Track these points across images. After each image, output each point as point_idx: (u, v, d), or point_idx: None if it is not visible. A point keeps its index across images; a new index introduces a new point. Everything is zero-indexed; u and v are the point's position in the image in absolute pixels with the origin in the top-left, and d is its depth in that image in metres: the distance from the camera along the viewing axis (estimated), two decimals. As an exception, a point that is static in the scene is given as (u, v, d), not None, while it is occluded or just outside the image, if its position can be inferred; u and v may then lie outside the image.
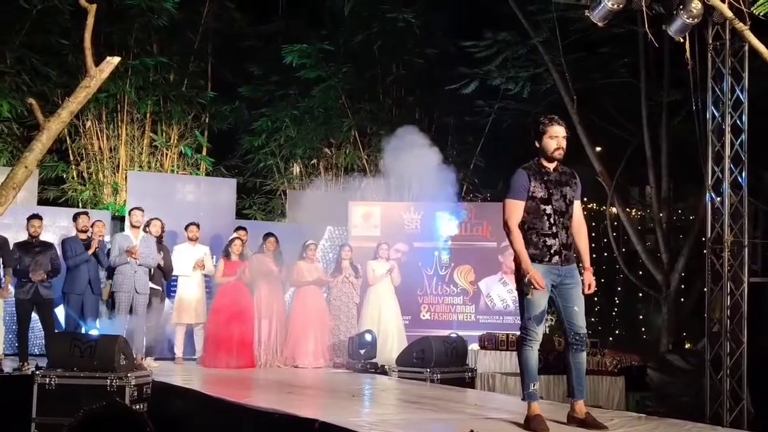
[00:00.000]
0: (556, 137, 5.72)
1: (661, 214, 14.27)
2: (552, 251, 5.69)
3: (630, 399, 11.54)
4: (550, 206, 5.69)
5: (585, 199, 15.43)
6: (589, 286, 5.82)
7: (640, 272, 15.09)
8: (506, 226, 5.72)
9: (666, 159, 14.00)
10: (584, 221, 5.98)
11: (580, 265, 5.94)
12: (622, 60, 14.32)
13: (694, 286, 14.08)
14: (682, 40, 9.36)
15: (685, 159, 13.06)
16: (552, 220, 5.70)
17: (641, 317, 16.67)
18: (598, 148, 14.74)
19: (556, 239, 5.71)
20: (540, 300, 5.75)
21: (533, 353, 6.03)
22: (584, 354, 6.03)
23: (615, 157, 14.66)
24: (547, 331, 13.25)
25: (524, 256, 5.63)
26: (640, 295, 16.29)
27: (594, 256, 16.49)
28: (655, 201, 14.33)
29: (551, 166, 5.76)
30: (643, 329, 16.32)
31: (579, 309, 5.80)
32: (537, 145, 5.80)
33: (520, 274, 5.76)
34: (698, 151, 10.11)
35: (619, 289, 16.85)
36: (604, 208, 15.68)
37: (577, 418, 5.91)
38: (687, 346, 14.47)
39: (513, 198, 5.71)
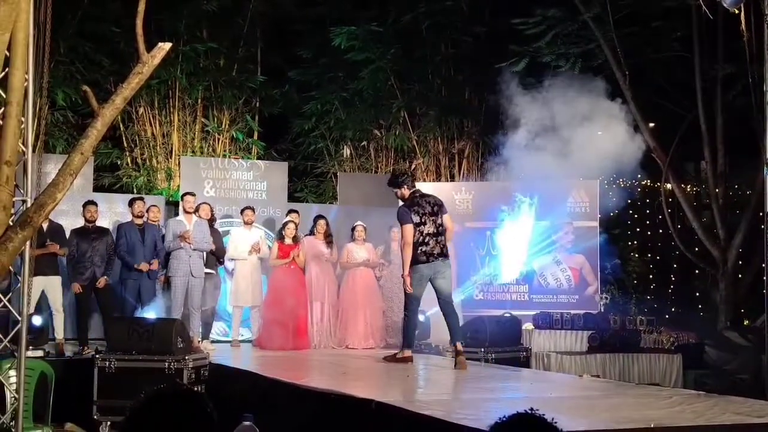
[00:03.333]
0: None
1: (717, 190, 14.04)
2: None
3: (688, 377, 11.41)
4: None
5: (639, 176, 15.26)
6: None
7: (696, 249, 14.88)
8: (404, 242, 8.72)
9: (721, 134, 13.75)
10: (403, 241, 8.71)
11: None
12: (675, 34, 14.07)
13: (752, 262, 13.84)
14: (737, 12, 9.17)
15: (741, 133, 12.83)
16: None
17: (698, 294, 16.44)
18: (652, 124, 14.53)
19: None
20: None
21: (413, 318, 9.07)
22: (452, 316, 8.84)
23: (669, 133, 14.44)
24: (602, 310, 13.16)
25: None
26: (697, 272, 16.06)
27: (649, 233, 16.35)
28: (711, 176, 14.09)
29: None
30: (700, 306, 16.10)
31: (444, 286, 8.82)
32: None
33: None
34: (755, 124, 9.91)
35: (675, 266, 16.62)
36: (659, 184, 15.47)
37: (455, 351, 8.63)
38: (745, 322, 14.24)
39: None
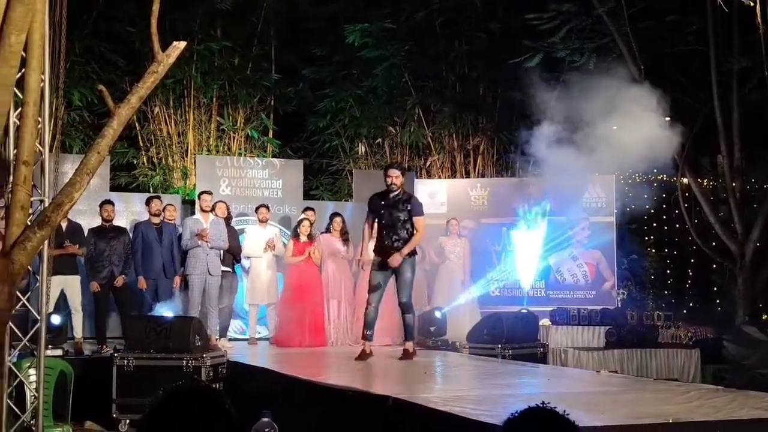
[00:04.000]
0: (390, 176, 8.99)
1: (733, 184, 13.96)
2: (383, 246, 8.94)
3: (706, 372, 11.37)
4: (383, 220, 9.00)
5: (655, 170, 15.17)
6: (394, 260, 8.84)
7: (714, 243, 14.81)
8: (363, 227, 9.41)
9: (737, 127, 13.67)
10: (421, 230, 9.02)
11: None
12: (690, 27, 13.98)
13: (770, 256, 13.77)
14: (752, 4, 9.12)
15: (758, 127, 12.76)
16: (384, 229, 8.98)
17: (715, 289, 16.36)
18: (667, 118, 14.46)
19: (384, 241, 8.95)
20: (376, 276, 9.06)
21: (371, 310, 9.15)
22: (408, 316, 9.19)
23: (685, 127, 14.35)
24: (619, 305, 13.12)
25: (365, 249, 9.49)
26: (714, 266, 15.99)
27: (666, 228, 16.28)
28: (728, 170, 14.02)
29: (390, 195, 9.00)
30: (717, 301, 16.03)
31: (401, 285, 8.98)
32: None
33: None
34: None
35: (692, 260, 16.54)
36: (675, 179, 15.40)
37: (404, 352, 9.20)
38: (764, 317, 14.18)
39: (368, 211, 9.28)
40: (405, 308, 9.11)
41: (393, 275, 9.01)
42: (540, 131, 12.39)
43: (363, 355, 9.10)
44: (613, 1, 13.51)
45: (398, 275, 8.95)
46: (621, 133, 11.51)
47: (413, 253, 9.04)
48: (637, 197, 15.33)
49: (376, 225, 9.30)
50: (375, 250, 9.14)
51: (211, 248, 10.63)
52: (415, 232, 8.97)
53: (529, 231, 12.95)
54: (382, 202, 9.06)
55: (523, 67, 13.99)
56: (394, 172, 9.07)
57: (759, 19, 9.24)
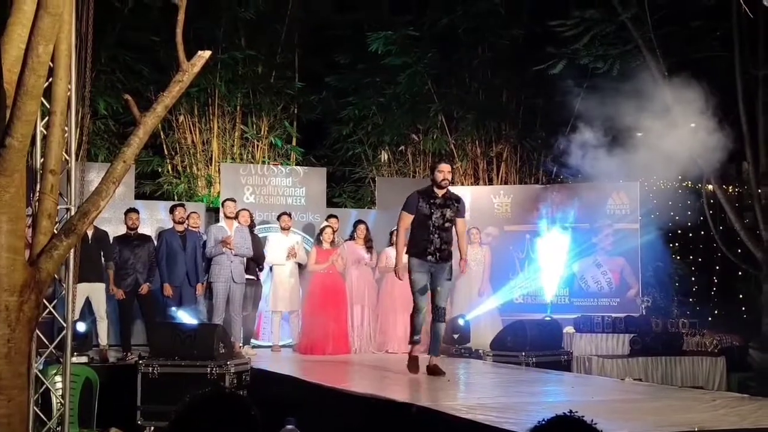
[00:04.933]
0: (442, 171, 8.23)
1: (759, 190, 13.84)
2: (427, 251, 8.18)
3: (732, 380, 11.28)
4: (430, 221, 8.18)
5: (680, 177, 15.06)
6: (462, 268, 8.68)
7: (739, 250, 14.69)
8: (398, 228, 8.50)
9: (763, 134, 13.57)
10: (464, 233, 8.60)
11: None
12: (714, 33, 13.91)
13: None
14: (778, 10, 9.06)
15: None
16: (431, 230, 8.17)
17: (741, 296, 16.23)
18: (692, 124, 14.38)
19: (432, 244, 8.16)
20: (420, 279, 8.23)
21: (419, 316, 8.33)
22: (441, 324, 8.45)
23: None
24: (644, 312, 13.04)
25: (400, 255, 8.38)
26: (740, 273, 15.86)
27: (691, 234, 16.16)
28: (753, 177, 13.90)
29: (440, 192, 8.26)
30: (743, 308, 15.90)
31: (441, 290, 8.26)
32: (431, 176, 8.43)
33: (409, 260, 8.28)
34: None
35: (717, 268, 16.42)
36: (700, 185, 15.30)
37: (428, 367, 8.33)
38: (790, 325, 14.03)
39: (405, 211, 8.34)
40: (440, 315, 8.34)
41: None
42: (581, 137, 12.43)
43: (414, 362, 8.50)
44: (636, 7, 13.46)
45: (439, 282, 8.24)
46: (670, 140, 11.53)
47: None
48: (661, 204, 15.25)
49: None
50: (415, 253, 8.26)
51: (235, 255, 10.69)
52: (456, 234, 8.39)
53: (552, 238, 12.92)
54: (431, 201, 8.26)
55: (553, 74, 13.98)
56: (447, 167, 8.36)
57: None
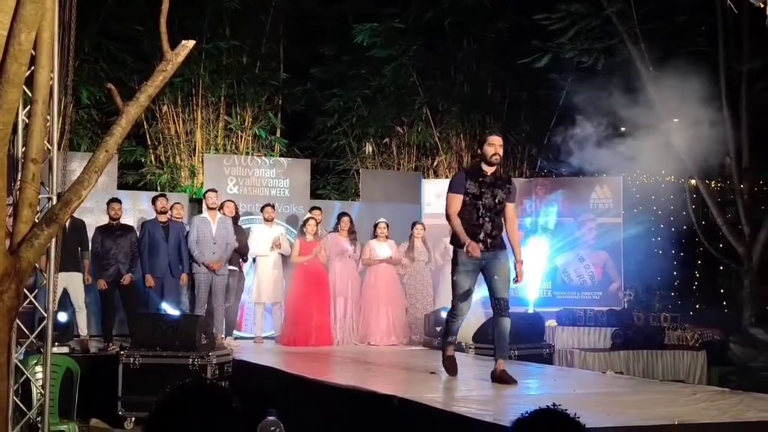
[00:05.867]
0: (493, 145, 6.97)
1: (741, 185, 13.93)
2: (477, 239, 6.90)
3: (712, 373, 11.35)
4: (480, 202, 6.96)
5: (663, 171, 15.11)
6: (520, 275, 7.10)
7: (721, 245, 14.78)
8: (447, 213, 7.07)
9: (746, 129, 13.65)
10: (515, 220, 7.32)
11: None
12: (699, 29, 13.96)
13: (777, 258, 13.74)
14: (762, 5, 9.08)
15: (766, 128, 12.73)
16: (480, 213, 6.96)
17: (722, 291, 16.32)
18: (676, 119, 14.44)
19: (482, 229, 6.95)
20: (465, 281, 7.01)
21: (456, 322, 7.27)
22: (506, 319, 7.08)
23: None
24: (626, 306, 13.09)
25: (462, 233, 6.90)
26: (721, 268, 15.95)
27: (673, 229, 16.23)
28: (736, 172, 13.99)
29: (489, 170, 7.03)
30: (724, 303, 15.99)
31: (499, 278, 7.00)
32: (479, 150, 7.13)
33: (456, 257, 7.02)
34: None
35: (699, 262, 16.50)
36: (683, 180, 15.37)
37: (494, 373, 7.06)
38: (771, 319, 14.13)
39: (453, 192, 7.05)
40: (503, 308, 7.06)
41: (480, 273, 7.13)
42: (566, 131, 12.49)
43: (451, 363, 7.48)
44: (622, 2, 13.49)
45: (496, 270, 7.02)
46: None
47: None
48: (644, 198, 15.30)
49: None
50: (461, 244, 6.95)
51: (215, 244, 10.67)
52: (504, 222, 7.15)
53: (536, 232, 12.95)
54: (480, 179, 7.03)
55: (539, 67, 14.02)
56: (498, 140, 7.05)
57: (768, 20, 9.19)
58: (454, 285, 7.06)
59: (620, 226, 13.27)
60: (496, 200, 6.98)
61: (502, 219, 7.06)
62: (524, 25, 14.79)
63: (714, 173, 16.32)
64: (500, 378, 6.95)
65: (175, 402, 2.29)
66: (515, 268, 7.06)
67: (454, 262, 7.03)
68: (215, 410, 2.28)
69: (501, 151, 7.02)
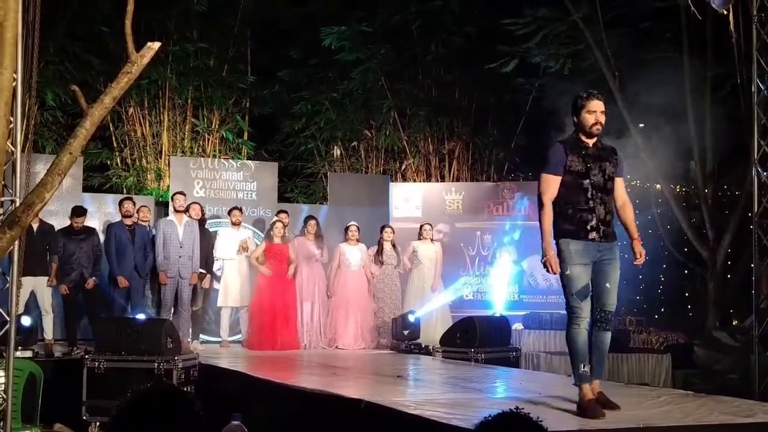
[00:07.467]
0: (594, 112, 5.57)
1: (706, 190, 14.07)
2: (589, 227, 5.56)
3: (677, 377, 11.44)
4: (588, 180, 5.56)
5: (629, 176, 15.21)
6: (640, 254, 5.81)
7: (686, 249, 14.92)
8: (540, 200, 5.63)
9: (710, 134, 13.79)
10: (628, 198, 5.87)
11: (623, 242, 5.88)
12: (664, 35, 14.10)
13: (741, 262, 13.89)
14: (725, 13, 9.20)
15: (730, 133, 12.87)
16: (590, 195, 5.56)
17: (687, 294, 16.48)
18: (641, 124, 14.57)
19: (593, 214, 5.57)
20: (581, 274, 5.55)
21: (581, 331, 5.56)
22: (608, 334, 5.72)
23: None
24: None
25: (548, 238, 5.56)
26: (686, 272, 16.10)
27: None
28: (700, 176, 14.13)
29: (590, 141, 5.63)
30: (689, 306, 16.15)
31: (611, 287, 5.66)
32: (575, 119, 5.65)
33: (566, 247, 5.60)
34: (743, 125, 9.94)
35: (664, 266, 16.65)
36: (648, 184, 15.49)
37: (598, 396, 5.63)
38: (734, 323, 14.29)
39: (549, 173, 5.60)
40: (606, 320, 5.67)
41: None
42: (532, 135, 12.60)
43: (591, 408, 5.39)
44: (588, 8, 13.59)
45: (609, 275, 5.70)
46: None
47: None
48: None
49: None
50: (570, 232, 5.60)
51: (181, 248, 10.60)
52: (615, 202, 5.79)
53: (503, 236, 13.02)
54: (584, 152, 5.62)
55: (506, 72, 14.11)
56: (600, 105, 5.63)
57: (732, 26, 9.32)
58: (569, 281, 5.54)
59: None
60: (606, 177, 5.62)
61: (613, 200, 5.75)
62: (492, 29, 14.85)
63: (679, 178, 16.49)
64: (605, 404, 5.53)
65: (136, 407, 2.27)
66: (632, 248, 5.84)
67: (565, 254, 5.54)
68: (176, 415, 2.27)
69: (603, 119, 5.62)
